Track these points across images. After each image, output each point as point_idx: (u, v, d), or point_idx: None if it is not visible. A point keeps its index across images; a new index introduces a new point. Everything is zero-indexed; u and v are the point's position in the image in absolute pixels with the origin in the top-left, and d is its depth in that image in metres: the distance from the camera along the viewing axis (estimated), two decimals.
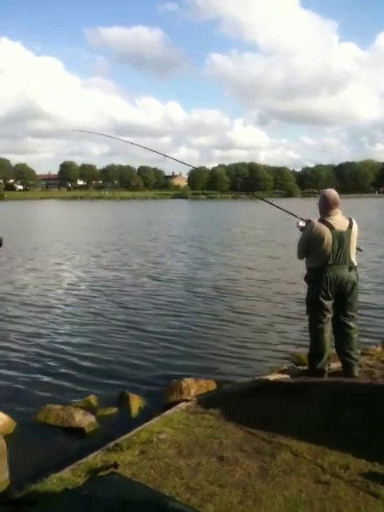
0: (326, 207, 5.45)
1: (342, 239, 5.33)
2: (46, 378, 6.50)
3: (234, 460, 3.81)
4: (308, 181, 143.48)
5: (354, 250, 5.52)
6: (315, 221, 5.46)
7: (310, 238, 5.42)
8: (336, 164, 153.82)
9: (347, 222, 5.43)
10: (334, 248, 5.30)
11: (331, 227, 5.31)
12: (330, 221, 5.37)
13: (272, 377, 5.80)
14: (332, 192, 5.55)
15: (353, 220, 5.50)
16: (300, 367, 6.35)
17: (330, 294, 5.41)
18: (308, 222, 5.61)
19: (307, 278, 5.66)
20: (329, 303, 5.47)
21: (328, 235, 5.28)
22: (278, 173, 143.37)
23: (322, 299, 5.42)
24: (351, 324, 5.60)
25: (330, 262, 5.32)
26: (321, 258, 5.37)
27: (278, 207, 6.87)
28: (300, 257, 5.74)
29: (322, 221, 5.42)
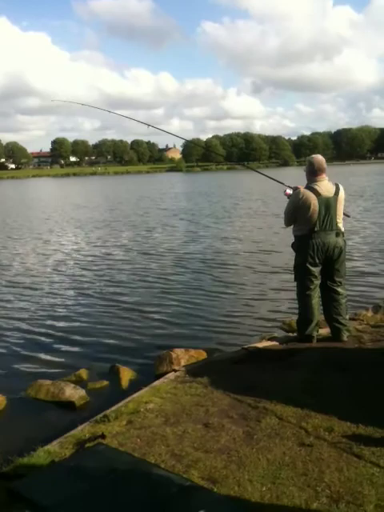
0: (312, 173, 5.40)
1: (328, 205, 5.27)
2: (37, 354, 6.53)
3: (219, 426, 3.85)
4: (304, 149, 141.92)
5: (341, 215, 5.48)
6: (302, 187, 5.42)
7: (296, 205, 5.38)
8: (333, 131, 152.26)
9: (334, 188, 5.36)
10: (321, 214, 5.25)
11: (317, 193, 5.26)
12: (316, 187, 5.31)
13: (262, 344, 5.83)
14: (318, 157, 5.48)
15: (340, 186, 5.43)
16: (290, 334, 6.38)
17: (317, 261, 5.39)
18: (295, 189, 5.56)
19: (294, 246, 5.65)
20: (316, 269, 5.46)
21: (314, 201, 5.24)
22: (274, 142, 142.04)
23: (309, 266, 5.41)
24: (339, 290, 5.60)
25: (316, 229, 5.29)
26: (307, 224, 5.33)
27: (266, 176, 6.83)
28: (287, 224, 5.71)
29: (308, 187, 5.37)
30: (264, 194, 34.00)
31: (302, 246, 5.46)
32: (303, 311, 5.68)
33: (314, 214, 5.25)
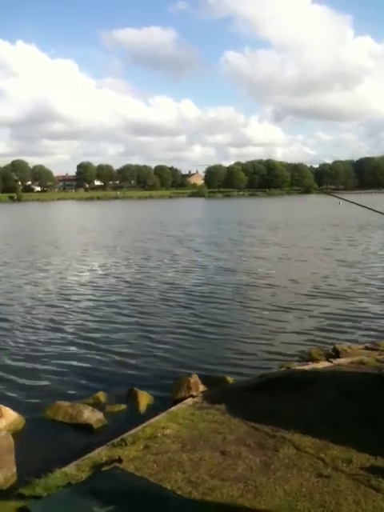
0: None
1: None
2: (56, 376, 6.58)
3: (236, 454, 3.83)
4: (326, 177, 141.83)
5: None
6: None
7: None
8: (354, 159, 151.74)
9: None
10: None
11: None
12: None
13: (279, 373, 5.80)
14: None
15: None
16: (309, 363, 6.33)
17: None
18: None
19: None
20: None
21: None
22: (296, 169, 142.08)
23: None
24: None
25: None
26: None
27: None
28: None
29: None
30: (271, 221, 33.88)
31: None
32: None
33: None
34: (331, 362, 6.13)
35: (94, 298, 11.51)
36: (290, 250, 19.06)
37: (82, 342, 8.07)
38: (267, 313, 9.54)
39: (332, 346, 7.04)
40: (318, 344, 7.50)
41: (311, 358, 6.53)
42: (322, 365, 6.03)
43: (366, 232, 25.77)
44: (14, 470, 4.05)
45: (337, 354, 6.61)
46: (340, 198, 6.38)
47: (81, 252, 20.37)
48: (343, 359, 6.01)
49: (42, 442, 4.82)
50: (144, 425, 4.54)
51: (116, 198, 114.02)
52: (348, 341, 7.54)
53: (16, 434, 4.75)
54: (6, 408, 5.19)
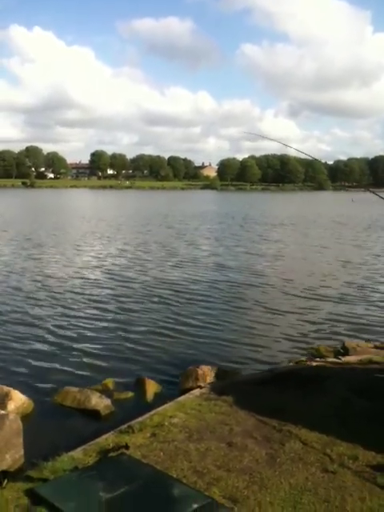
0: None
1: None
2: (66, 362, 6.63)
3: (242, 446, 3.85)
4: (340, 174, 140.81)
5: None
6: None
7: None
8: (369, 157, 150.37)
9: None
10: None
11: None
12: None
13: (288, 367, 5.81)
14: None
15: None
16: (317, 359, 6.33)
17: None
18: None
19: None
20: None
21: None
22: (310, 165, 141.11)
23: None
24: None
25: None
26: None
27: None
28: None
29: None
30: (279, 216, 33.75)
31: None
32: None
33: None
34: (340, 359, 6.12)
35: (105, 286, 11.56)
36: (301, 248, 19.05)
37: (91, 328, 8.12)
38: (277, 309, 9.53)
39: (341, 344, 7.02)
40: (326, 341, 7.49)
41: (320, 355, 6.52)
42: (331, 362, 6.02)
43: (375, 231, 25.59)
44: (22, 452, 4.09)
45: (346, 351, 6.59)
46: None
47: (94, 240, 20.45)
48: (352, 357, 6.00)
49: (50, 426, 4.87)
50: (151, 413, 4.57)
51: (129, 187, 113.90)
52: (357, 339, 7.52)
53: (25, 418, 4.80)
54: (15, 391, 5.24)
